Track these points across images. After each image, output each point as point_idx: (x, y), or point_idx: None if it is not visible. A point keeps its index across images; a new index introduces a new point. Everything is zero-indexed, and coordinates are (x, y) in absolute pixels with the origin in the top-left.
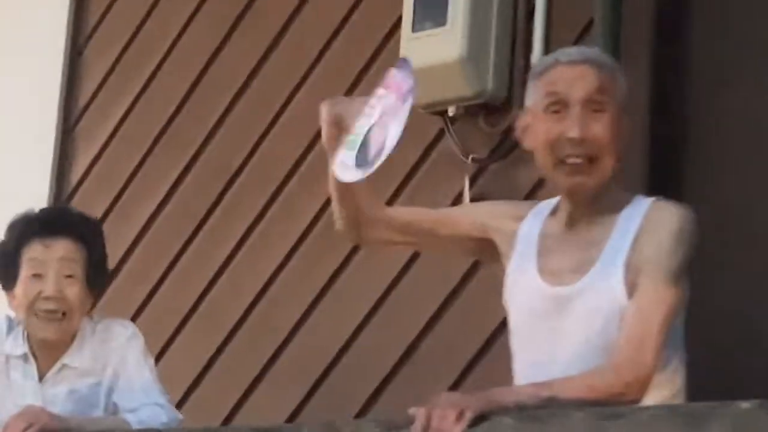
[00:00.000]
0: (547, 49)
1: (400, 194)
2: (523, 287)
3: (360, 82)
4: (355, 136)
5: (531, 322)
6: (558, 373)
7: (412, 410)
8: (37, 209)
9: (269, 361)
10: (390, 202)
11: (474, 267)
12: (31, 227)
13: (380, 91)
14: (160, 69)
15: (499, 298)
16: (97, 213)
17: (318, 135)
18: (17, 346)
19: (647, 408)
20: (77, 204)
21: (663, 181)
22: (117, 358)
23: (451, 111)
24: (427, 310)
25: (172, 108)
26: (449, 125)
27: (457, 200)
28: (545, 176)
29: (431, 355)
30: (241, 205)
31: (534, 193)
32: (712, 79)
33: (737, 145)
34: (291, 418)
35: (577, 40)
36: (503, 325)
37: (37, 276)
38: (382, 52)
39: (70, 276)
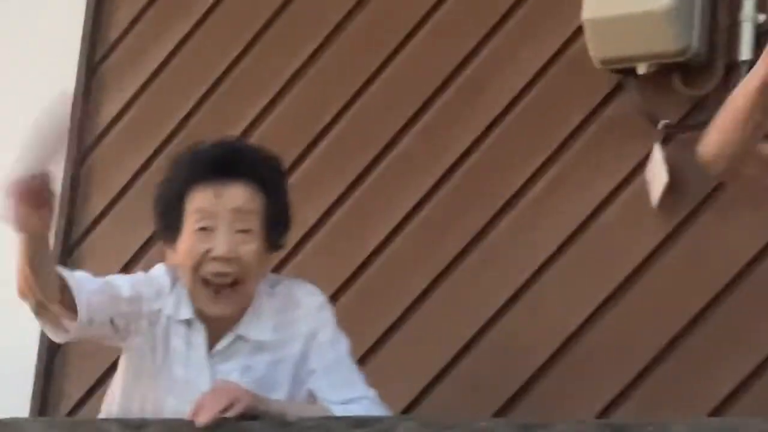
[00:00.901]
0: (761, 5)
1: (557, 158)
2: None
3: (503, 25)
4: None
5: None
6: None
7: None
8: (207, 142)
9: (379, 340)
10: (546, 165)
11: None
12: (199, 169)
13: None
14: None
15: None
16: (125, 173)
17: (447, 81)
18: (180, 308)
19: None
20: (99, 161)
21: None
22: (305, 333)
23: (641, 68)
24: (595, 296)
25: (234, 53)
26: (629, 85)
27: (637, 169)
28: None
29: (593, 353)
30: (331, 166)
31: None
32: None
33: None
34: (407, 410)
35: None
36: (693, 323)
37: (204, 230)
38: None
39: (245, 231)
